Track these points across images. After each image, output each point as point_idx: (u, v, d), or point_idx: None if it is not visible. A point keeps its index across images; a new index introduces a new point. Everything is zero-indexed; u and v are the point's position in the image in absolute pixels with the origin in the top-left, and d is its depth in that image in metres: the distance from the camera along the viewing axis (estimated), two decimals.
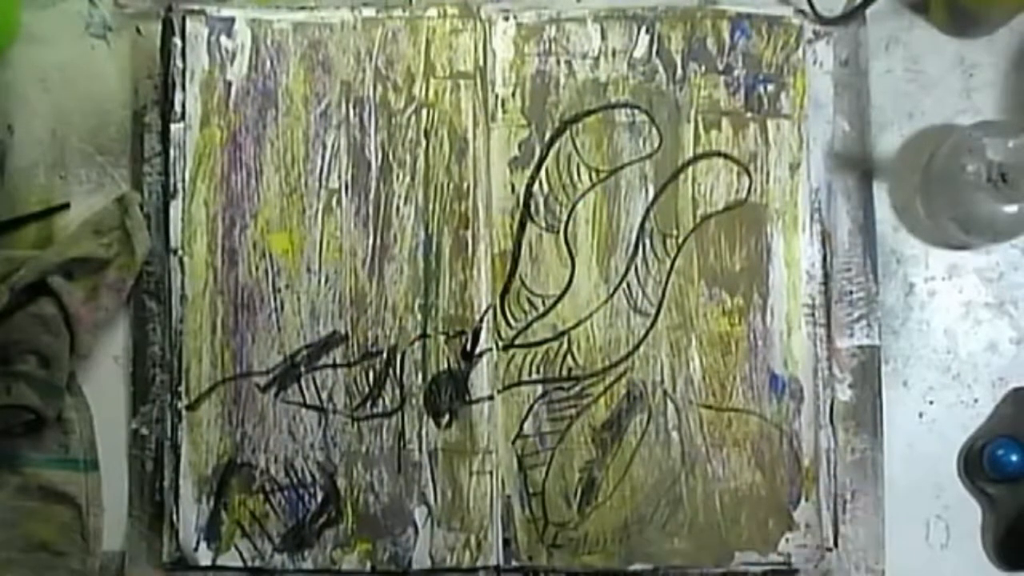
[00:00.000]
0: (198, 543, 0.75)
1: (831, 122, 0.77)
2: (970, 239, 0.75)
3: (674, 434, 0.75)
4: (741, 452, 0.75)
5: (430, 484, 0.75)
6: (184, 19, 0.77)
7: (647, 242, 0.76)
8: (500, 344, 0.75)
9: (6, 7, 0.78)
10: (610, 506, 0.75)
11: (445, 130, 0.76)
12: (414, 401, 0.75)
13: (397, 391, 0.75)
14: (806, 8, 0.77)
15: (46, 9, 0.79)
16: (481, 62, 0.76)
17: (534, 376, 0.75)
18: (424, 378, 0.75)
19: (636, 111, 0.76)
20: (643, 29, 0.77)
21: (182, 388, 0.75)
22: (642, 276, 0.76)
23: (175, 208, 0.76)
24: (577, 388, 0.75)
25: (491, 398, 0.75)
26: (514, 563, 0.75)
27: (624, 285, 0.76)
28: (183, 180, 0.76)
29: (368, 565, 0.75)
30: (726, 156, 0.76)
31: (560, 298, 0.76)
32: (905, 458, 0.76)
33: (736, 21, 0.76)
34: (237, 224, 0.76)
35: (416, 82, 0.76)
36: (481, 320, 0.75)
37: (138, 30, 0.78)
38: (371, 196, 0.76)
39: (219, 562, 0.75)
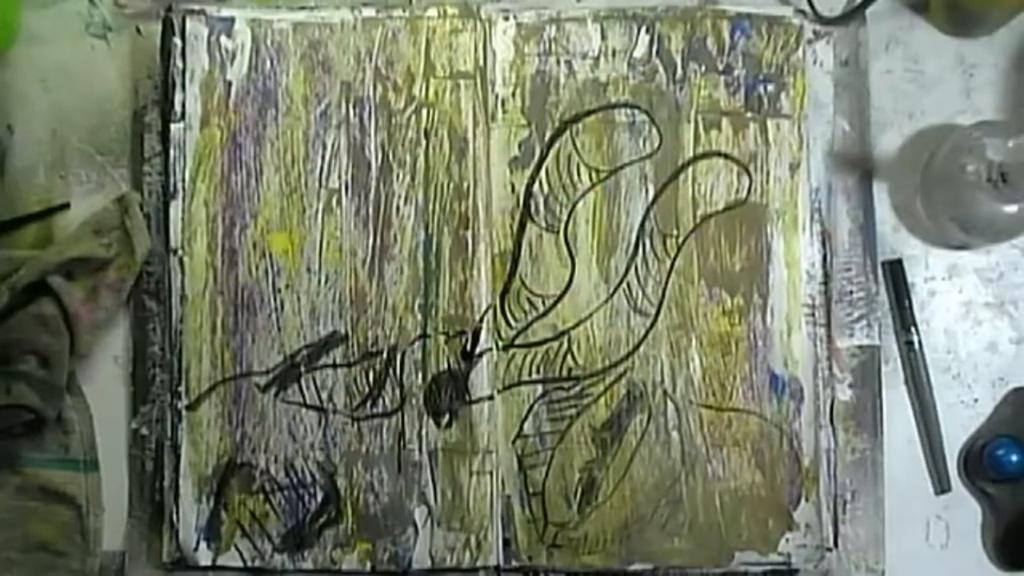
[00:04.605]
0: (198, 543, 0.75)
1: (831, 122, 0.77)
2: (970, 239, 0.75)
3: (674, 434, 0.75)
4: (741, 452, 0.75)
5: (430, 484, 0.75)
6: (184, 19, 0.77)
7: (647, 242, 0.76)
8: (500, 344, 0.75)
9: (6, 7, 0.78)
10: (610, 506, 0.75)
11: (445, 130, 0.76)
12: (414, 401, 0.75)
13: (397, 391, 0.75)
14: (806, 8, 0.77)
15: (46, 9, 0.79)
16: (481, 62, 0.76)
17: (534, 376, 0.75)
18: (424, 378, 0.75)
19: (636, 111, 0.76)
20: (643, 29, 0.77)
21: (182, 388, 0.75)
22: (642, 276, 0.76)
23: (175, 208, 0.76)
24: (577, 388, 0.75)
25: (491, 398, 0.75)
26: (514, 563, 0.75)
27: (624, 285, 0.76)
28: (183, 180, 0.76)
29: (368, 565, 0.75)
30: (726, 156, 0.76)
31: (560, 298, 0.76)
32: (905, 458, 0.76)
33: (736, 21, 0.77)
34: (237, 224, 0.76)
35: (416, 82, 0.76)
36: (481, 320, 0.75)
37: (138, 30, 0.78)
38: (371, 196, 0.76)
39: (219, 562, 0.75)
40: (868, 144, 0.77)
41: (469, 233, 0.76)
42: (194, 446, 0.75)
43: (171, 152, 0.76)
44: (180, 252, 0.76)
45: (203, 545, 0.75)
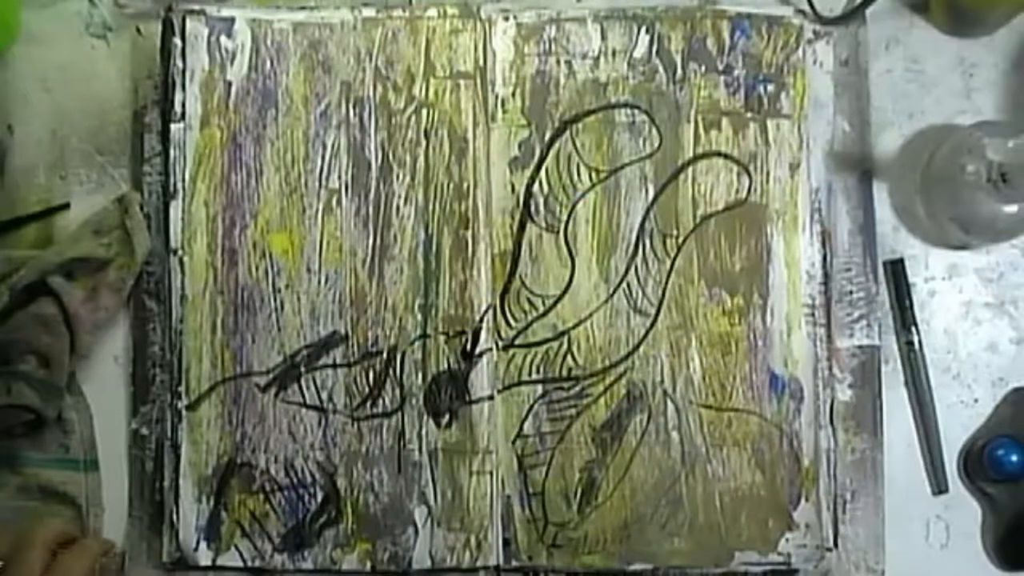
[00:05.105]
0: (198, 543, 0.75)
1: (831, 122, 0.77)
2: (970, 239, 0.75)
3: (674, 434, 0.75)
4: (741, 452, 0.75)
5: (430, 484, 0.75)
6: (184, 19, 0.77)
7: (647, 242, 0.76)
8: (500, 344, 0.75)
9: (6, 7, 0.78)
10: (610, 506, 0.75)
11: (445, 130, 0.76)
12: (414, 401, 0.75)
13: (397, 391, 0.75)
14: (806, 8, 0.77)
15: (46, 9, 0.79)
16: (481, 62, 0.76)
17: (534, 376, 0.75)
18: (424, 378, 0.75)
19: (636, 111, 0.76)
20: (643, 29, 0.77)
21: (182, 388, 0.75)
22: (642, 276, 0.76)
23: (175, 208, 0.76)
24: (577, 388, 0.75)
25: (491, 398, 0.75)
26: (514, 563, 0.75)
27: (624, 285, 0.76)
28: (183, 180, 0.76)
29: (368, 565, 0.75)
30: (726, 156, 0.76)
31: (560, 298, 0.76)
32: (905, 458, 0.76)
33: (736, 21, 0.77)
34: (237, 224, 0.76)
35: (416, 82, 0.76)
36: (481, 320, 0.75)
37: (138, 30, 0.78)
38: (371, 196, 0.76)
39: (219, 562, 0.75)
40: (868, 144, 0.77)
41: (469, 233, 0.76)
42: (194, 446, 0.75)
43: (171, 152, 0.76)
44: (180, 252, 0.76)
45: (203, 545, 0.75)
